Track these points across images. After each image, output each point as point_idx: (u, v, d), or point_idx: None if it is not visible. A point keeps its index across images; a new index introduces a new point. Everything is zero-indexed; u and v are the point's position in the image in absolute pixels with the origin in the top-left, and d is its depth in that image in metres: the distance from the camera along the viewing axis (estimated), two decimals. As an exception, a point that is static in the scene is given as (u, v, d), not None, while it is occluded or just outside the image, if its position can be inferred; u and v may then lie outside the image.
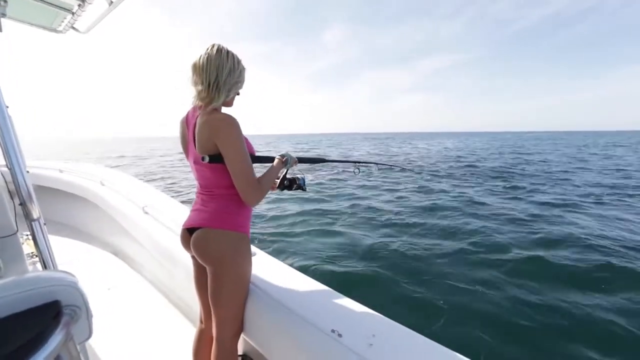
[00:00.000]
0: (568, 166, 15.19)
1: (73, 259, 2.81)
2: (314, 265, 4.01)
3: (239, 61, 1.17)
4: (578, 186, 9.52)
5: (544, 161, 17.68)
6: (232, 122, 1.11)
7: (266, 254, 1.62)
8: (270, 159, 1.37)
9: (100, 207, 2.97)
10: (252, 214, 1.31)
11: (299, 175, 1.47)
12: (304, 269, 3.76)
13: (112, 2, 1.50)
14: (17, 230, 1.40)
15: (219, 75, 1.11)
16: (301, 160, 1.49)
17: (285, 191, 1.46)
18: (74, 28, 1.97)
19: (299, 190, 1.46)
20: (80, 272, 2.57)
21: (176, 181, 11.44)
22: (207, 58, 1.10)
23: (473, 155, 22.29)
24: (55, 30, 2.04)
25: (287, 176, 1.43)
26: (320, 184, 9.78)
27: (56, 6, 1.67)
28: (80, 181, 3.36)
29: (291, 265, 1.56)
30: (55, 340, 0.49)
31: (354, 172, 1.76)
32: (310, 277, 1.41)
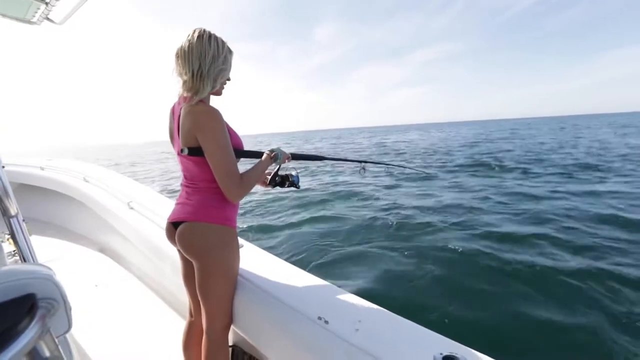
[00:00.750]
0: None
1: (59, 257, 2.75)
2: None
3: (223, 44, 1.11)
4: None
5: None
6: (212, 114, 1.08)
7: (254, 246, 1.62)
8: (258, 154, 1.31)
9: (84, 204, 2.91)
10: (239, 207, 1.30)
11: (292, 172, 1.41)
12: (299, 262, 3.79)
13: (86, -9, 1.45)
14: None
15: (202, 63, 1.06)
16: (295, 156, 1.41)
17: (278, 188, 1.40)
18: (48, 19, 1.90)
19: (292, 188, 1.41)
20: (67, 270, 2.53)
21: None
22: (189, 46, 1.06)
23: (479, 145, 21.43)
24: (29, 22, 1.96)
25: (279, 173, 1.37)
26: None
27: None
28: (63, 178, 3.28)
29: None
30: (29, 334, 0.48)
31: (359, 172, 1.66)
32: (298, 267, 1.42)
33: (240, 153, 1.24)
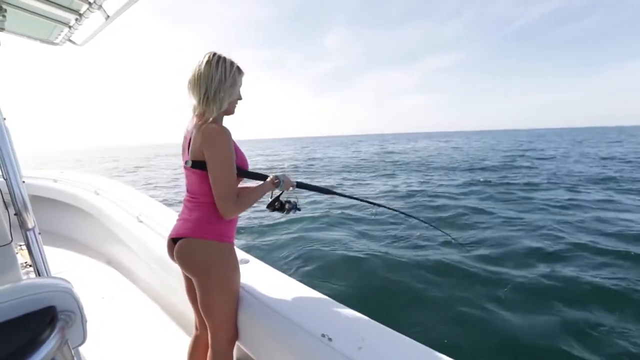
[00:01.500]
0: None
1: (67, 269, 2.79)
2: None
3: (231, 66, 1.16)
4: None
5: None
6: (221, 133, 1.12)
7: (259, 261, 1.64)
8: (262, 177, 1.32)
9: (94, 217, 2.97)
10: (237, 222, 1.31)
11: (291, 199, 1.38)
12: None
13: (108, 16, 1.54)
14: (12, 240, 1.41)
15: (208, 87, 1.12)
16: (301, 185, 1.39)
17: (276, 213, 1.39)
18: (70, 41, 2.01)
19: (291, 212, 1.38)
20: (74, 281, 2.54)
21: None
22: (198, 72, 1.13)
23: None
24: (52, 43, 2.08)
25: (281, 198, 1.36)
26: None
27: (54, 20, 1.71)
28: (74, 190, 3.35)
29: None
30: (50, 345, 0.51)
31: (371, 213, 1.61)
32: (303, 283, 1.43)
33: (245, 173, 1.27)
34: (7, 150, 1.13)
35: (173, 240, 1.25)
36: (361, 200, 1.64)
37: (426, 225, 1.91)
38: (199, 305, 1.23)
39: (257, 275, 1.46)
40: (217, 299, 1.21)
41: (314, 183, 1.50)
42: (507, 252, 4.48)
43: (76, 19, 1.65)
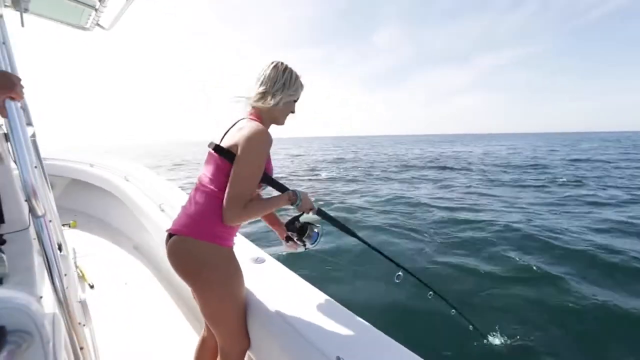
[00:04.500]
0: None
1: (97, 251, 2.88)
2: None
3: (296, 77, 1.16)
4: None
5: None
6: (264, 135, 1.07)
7: (276, 262, 1.52)
8: (281, 188, 1.19)
9: (123, 202, 3.03)
10: (239, 225, 1.16)
11: (315, 227, 1.21)
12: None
13: (128, -5, 1.47)
14: (30, 225, 1.40)
15: (269, 88, 1.12)
16: (321, 213, 1.23)
17: (290, 234, 1.23)
18: (99, 25, 1.99)
19: (308, 243, 1.21)
20: (102, 264, 2.63)
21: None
22: (263, 73, 1.14)
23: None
24: (82, 28, 2.07)
25: (301, 219, 1.21)
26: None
27: (79, 2, 1.68)
28: (107, 176, 3.46)
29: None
30: None
31: (395, 278, 1.32)
32: (320, 289, 1.30)
33: (267, 179, 1.16)
34: (19, 134, 1.09)
35: (170, 236, 1.15)
36: (385, 256, 1.35)
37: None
38: (201, 312, 1.14)
39: (272, 278, 1.35)
40: (217, 308, 1.11)
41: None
42: None
43: (100, 0, 1.61)
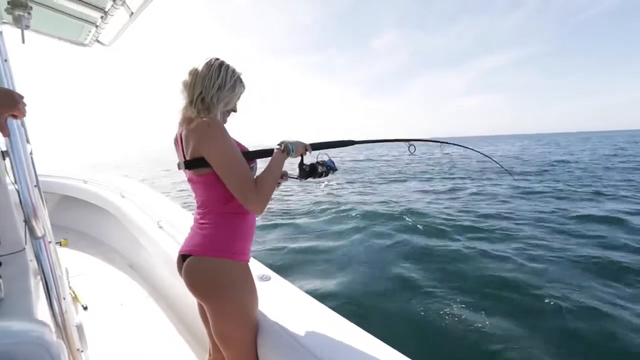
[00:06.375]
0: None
1: (90, 270, 2.78)
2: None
3: (232, 74, 1.06)
4: None
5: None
6: (213, 123, 1.00)
7: (282, 279, 1.48)
8: (268, 152, 1.16)
9: (118, 219, 2.96)
10: (253, 236, 1.16)
11: (323, 158, 1.25)
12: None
13: (132, 13, 1.47)
14: (26, 247, 1.35)
15: (203, 91, 1.02)
16: (316, 146, 1.24)
17: (311, 179, 1.25)
18: (98, 41, 1.99)
19: (330, 173, 1.25)
20: (95, 284, 2.54)
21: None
22: (194, 73, 1.04)
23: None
24: (82, 44, 2.07)
25: (305, 162, 1.23)
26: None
27: (81, 19, 1.67)
28: (102, 192, 3.38)
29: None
30: None
31: (408, 149, 1.43)
32: (332, 308, 1.26)
33: (250, 153, 1.13)
34: (19, 153, 1.06)
35: (183, 257, 1.12)
36: (388, 140, 1.47)
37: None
38: (213, 332, 1.10)
39: (279, 297, 1.31)
40: (231, 326, 1.07)
41: None
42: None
43: (102, 17, 1.61)
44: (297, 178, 1.26)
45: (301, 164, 1.23)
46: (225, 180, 1.01)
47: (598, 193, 9.01)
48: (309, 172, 1.24)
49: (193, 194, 1.17)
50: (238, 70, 1.09)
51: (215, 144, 0.99)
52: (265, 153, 1.17)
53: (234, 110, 1.14)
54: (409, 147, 1.44)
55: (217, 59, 1.05)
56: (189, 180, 1.13)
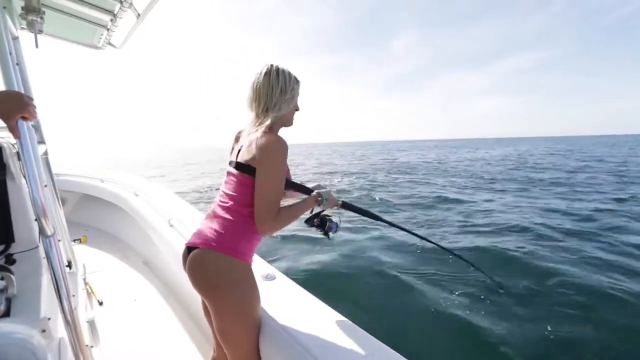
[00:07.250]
0: None
1: (106, 267, 2.87)
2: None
3: (289, 77, 1.14)
4: None
5: None
6: (279, 144, 1.07)
7: (287, 279, 1.48)
8: (306, 191, 1.23)
9: (133, 217, 3.04)
10: (259, 243, 1.18)
11: (333, 218, 1.28)
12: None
13: (139, 14, 1.49)
14: (39, 245, 1.39)
15: (268, 99, 1.11)
16: (347, 206, 1.29)
17: (313, 228, 1.28)
18: (110, 44, 2.03)
19: (330, 233, 1.27)
20: (111, 280, 2.62)
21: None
22: (257, 86, 1.12)
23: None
24: (95, 47, 2.12)
25: (322, 214, 1.26)
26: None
27: (92, 22, 1.71)
28: (117, 190, 3.48)
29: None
30: None
31: (416, 247, 1.49)
32: (335, 309, 1.25)
33: (290, 184, 1.20)
34: (29, 154, 1.09)
35: (189, 249, 1.14)
36: (408, 231, 1.46)
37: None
38: (215, 330, 1.11)
39: (283, 297, 1.31)
40: (233, 324, 1.08)
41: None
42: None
43: (111, 20, 1.64)
44: (305, 222, 1.29)
45: (318, 215, 1.26)
46: (257, 195, 1.07)
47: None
48: (318, 224, 1.26)
49: (222, 184, 1.21)
50: (291, 70, 1.15)
51: (271, 166, 1.07)
52: (302, 189, 1.25)
53: (297, 109, 1.21)
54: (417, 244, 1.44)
55: (272, 65, 1.12)
56: (229, 172, 1.18)
